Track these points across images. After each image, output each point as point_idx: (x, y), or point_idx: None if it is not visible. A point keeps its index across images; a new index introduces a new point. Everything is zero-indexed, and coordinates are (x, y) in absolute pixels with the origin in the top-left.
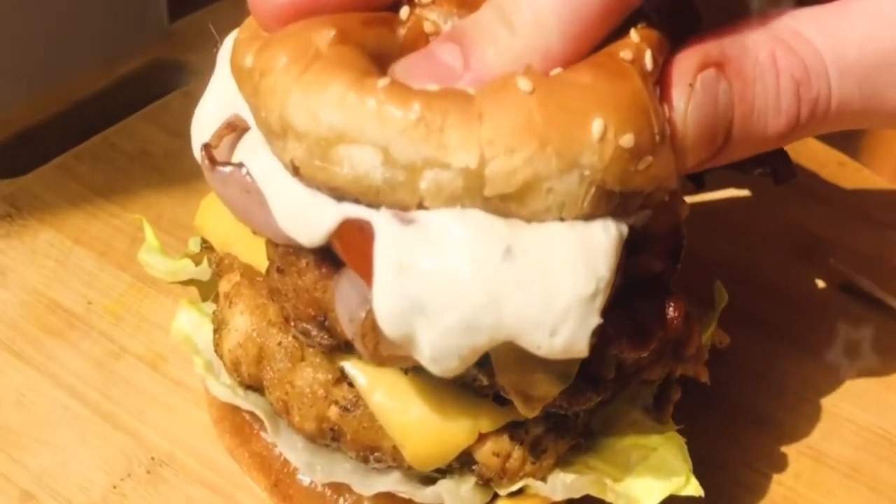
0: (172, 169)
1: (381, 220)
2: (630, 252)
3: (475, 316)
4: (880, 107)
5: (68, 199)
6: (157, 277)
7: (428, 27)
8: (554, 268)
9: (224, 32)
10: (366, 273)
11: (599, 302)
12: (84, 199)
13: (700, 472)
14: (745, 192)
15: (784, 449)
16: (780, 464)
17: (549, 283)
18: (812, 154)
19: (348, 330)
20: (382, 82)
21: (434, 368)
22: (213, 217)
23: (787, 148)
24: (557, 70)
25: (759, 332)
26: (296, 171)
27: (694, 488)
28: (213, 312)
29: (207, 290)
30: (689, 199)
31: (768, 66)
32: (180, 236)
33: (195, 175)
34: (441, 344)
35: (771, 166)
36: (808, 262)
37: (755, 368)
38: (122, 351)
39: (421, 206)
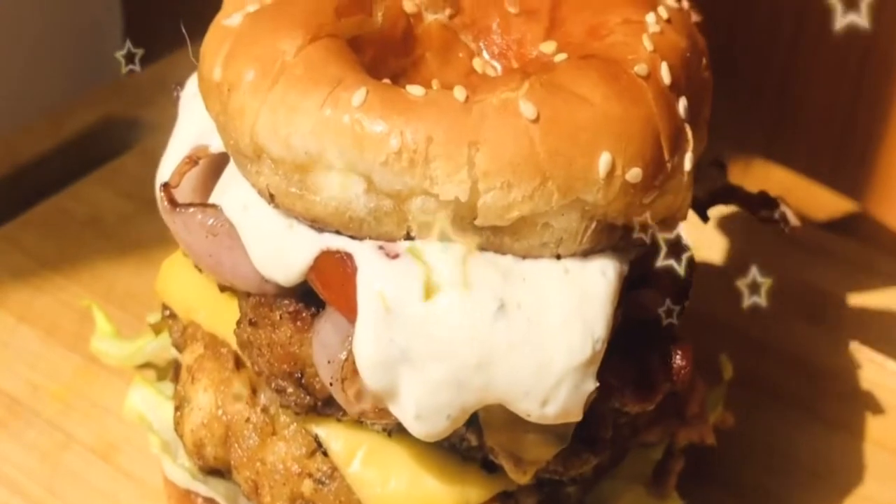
0: (127, 237)
1: (363, 253)
2: (631, 287)
3: (464, 374)
4: None
5: (12, 271)
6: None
7: (409, 7)
8: (548, 327)
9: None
10: (348, 311)
11: (595, 366)
12: (30, 271)
13: None
14: (744, 249)
15: None
16: None
17: (542, 346)
18: (818, 205)
19: (326, 375)
20: (358, 96)
21: (419, 429)
22: (175, 280)
23: (790, 197)
24: (563, 57)
25: (767, 402)
26: (271, 198)
27: None
28: (175, 388)
29: (165, 374)
30: None
31: None
32: (135, 311)
33: (152, 243)
34: (429, 400)
35: (779, 212)
36: (816, 323)
37: (764, 442)
38: (69, 441)
39: (408, 237)
